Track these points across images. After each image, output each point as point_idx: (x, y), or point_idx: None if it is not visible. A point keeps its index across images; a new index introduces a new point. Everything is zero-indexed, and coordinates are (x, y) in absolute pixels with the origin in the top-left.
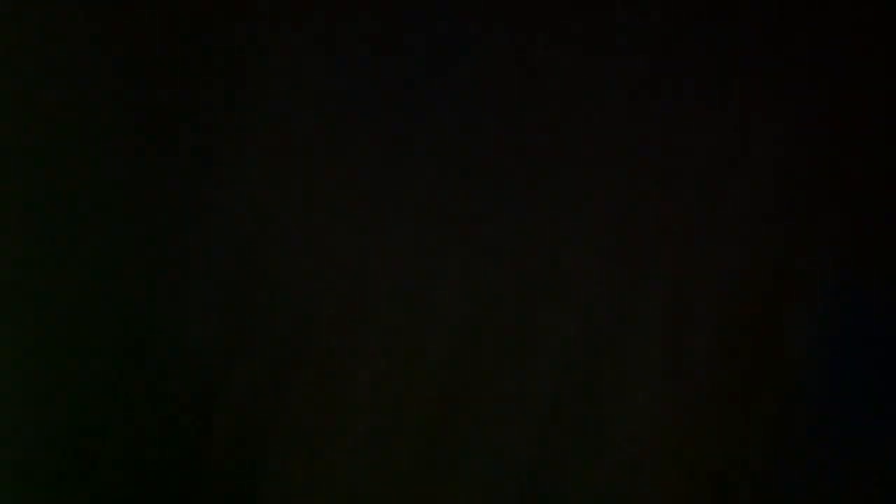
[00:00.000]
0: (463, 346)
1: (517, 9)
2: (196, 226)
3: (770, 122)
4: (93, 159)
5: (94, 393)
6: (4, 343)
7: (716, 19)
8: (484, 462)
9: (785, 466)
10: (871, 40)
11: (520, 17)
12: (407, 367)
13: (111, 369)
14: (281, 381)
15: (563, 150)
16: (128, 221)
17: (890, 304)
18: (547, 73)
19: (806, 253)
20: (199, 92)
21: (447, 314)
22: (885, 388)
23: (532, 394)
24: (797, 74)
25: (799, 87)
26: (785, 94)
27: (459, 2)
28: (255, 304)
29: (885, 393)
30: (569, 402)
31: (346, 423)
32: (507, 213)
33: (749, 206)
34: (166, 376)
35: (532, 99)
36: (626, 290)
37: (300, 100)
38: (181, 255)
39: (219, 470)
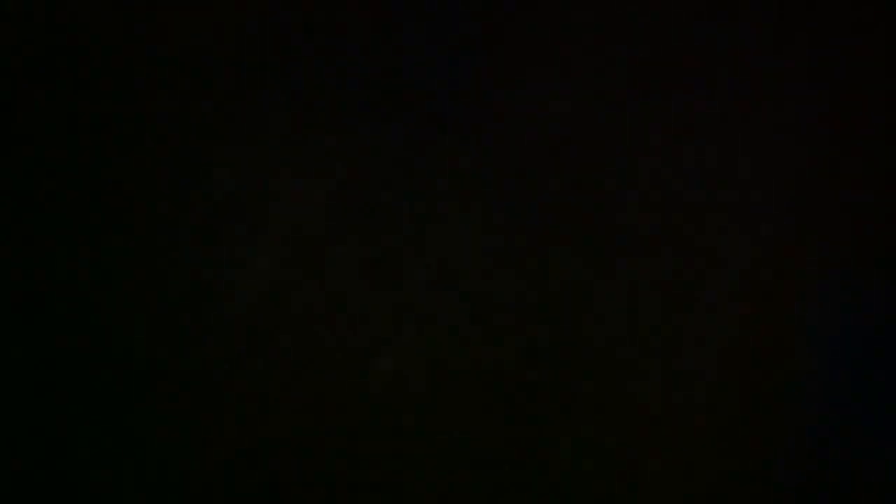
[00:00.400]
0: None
1: (516, 7)
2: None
3: (770, 122)
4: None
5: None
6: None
7: (716, 19)
8: (485, 462)
9: (785, 466)
10: (872, 40)
11: (519, 15)
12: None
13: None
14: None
15: (563, 148)
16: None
17: (890, 304)
18: (548, 71)
19: (806, 253)
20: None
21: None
22: (885, 388)
23: (533, 391)
24: (797, 74)
25: (799, 86)
26: (785, 94)
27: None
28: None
29: (886, 393)
30: (568, 401)
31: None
32: (514, 217)
33: (749, 206)
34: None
35: (533, 97)
36: (626, 290)
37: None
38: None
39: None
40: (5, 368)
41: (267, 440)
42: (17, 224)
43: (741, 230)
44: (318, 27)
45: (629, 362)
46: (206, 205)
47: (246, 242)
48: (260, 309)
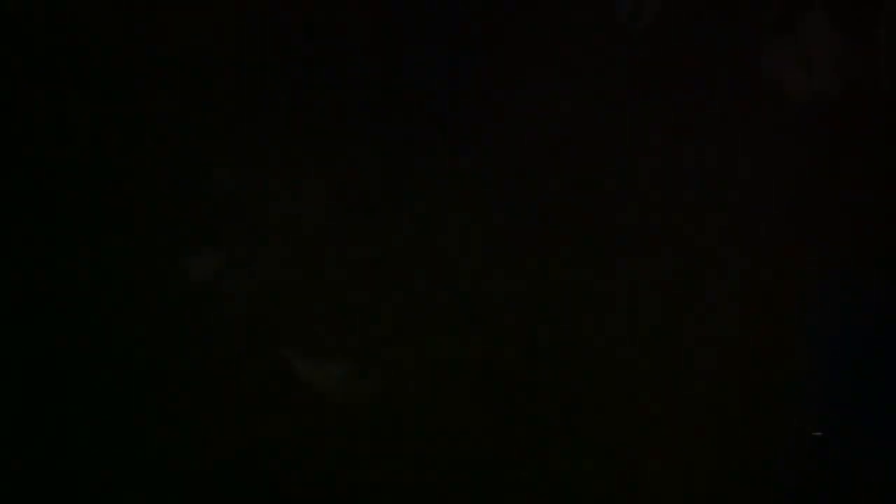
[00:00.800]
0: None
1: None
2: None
3: (770, 122)
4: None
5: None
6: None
7: (716, 19)
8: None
9: (785, 466)
10: (871, 39)
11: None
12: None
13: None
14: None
15: (563, 148)
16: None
17: (890, 304)
18: (548, 71)
19: (806, 253)
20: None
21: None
22: (886, 388)
23: (533, 391)
24: (797, 74)
25: (799, 86)
26: (785, 94)
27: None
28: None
29: (886, 393)
30: (568, 401)
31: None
32: (514, 218)
33: (749, 206)
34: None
35: (533, 97)
36: (626, 290)
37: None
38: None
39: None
40: (5, 368)
41: (266, 440)
42: (17, 224)
43: (741, 230)
44: (317, 27)
45: (629, 362)
46: (206, 205)
47: (246, 242)
48: (260, 309)
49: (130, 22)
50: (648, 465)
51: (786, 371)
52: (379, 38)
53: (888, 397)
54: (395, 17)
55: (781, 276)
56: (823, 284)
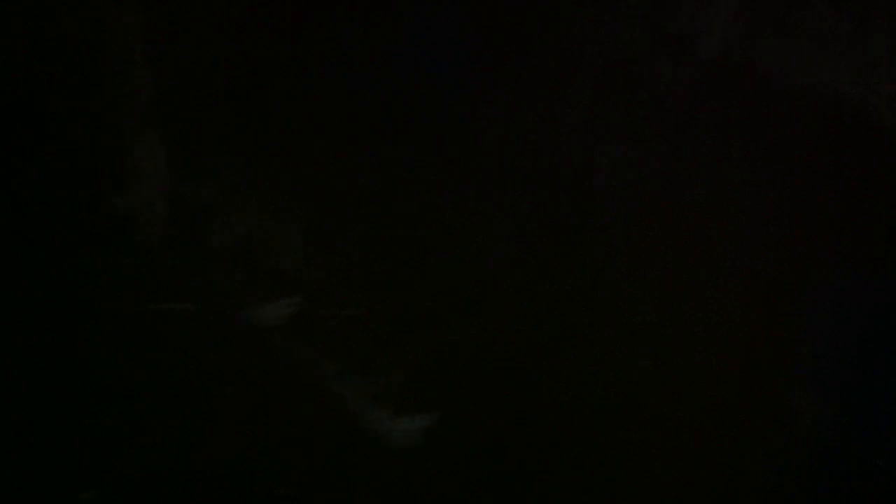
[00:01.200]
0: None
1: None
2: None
3: (770, 122)
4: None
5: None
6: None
7: (716, 18)
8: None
9: (785, 466)
10: (871, 42)
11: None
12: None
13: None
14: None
15: (563, 148)
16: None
17: (890, 304)
18: (548, 72)
19: (806, 253)
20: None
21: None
22: (886, 387)
23: (533, 391)
24: (797, 75)
25: (799, 87)
26: (785, 94)
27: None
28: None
29: (886, 393)
30: (568, 400)
31: None
32: (514, 218)
33: (749, 206)
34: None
35: (534, 99)
36: (626, 290)
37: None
38: None
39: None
40: (4, 368)
41: (266, 441)
42: (16, 225)
43: (741, 230)
44: (319, 28)
45: (629, 362)
46: (207, 205)
47: (246, 242)
48: (264, 310)
49: (131, 21)
50: (648, 465)
51: (786, 371)
52: (381, 41)
53: (888, 397)
54: (397, 17)
55: (781, 276)
56: (823, 284)
